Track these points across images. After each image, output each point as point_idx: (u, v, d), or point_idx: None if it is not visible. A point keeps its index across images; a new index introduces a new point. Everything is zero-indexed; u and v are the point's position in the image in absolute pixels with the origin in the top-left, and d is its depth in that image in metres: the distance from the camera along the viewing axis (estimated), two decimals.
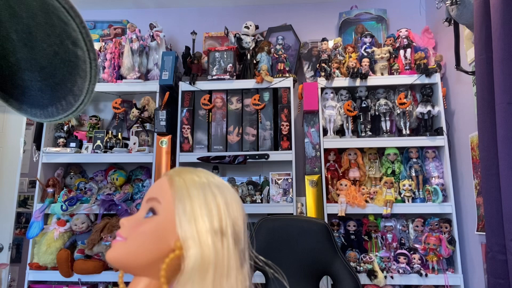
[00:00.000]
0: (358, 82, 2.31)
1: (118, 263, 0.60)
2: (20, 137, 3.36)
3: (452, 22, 1.80)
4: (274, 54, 2.47)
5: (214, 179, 0.68)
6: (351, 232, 2.21)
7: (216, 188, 0.66)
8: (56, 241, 2.20)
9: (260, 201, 2.24)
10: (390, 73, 2.35)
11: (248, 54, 2.46)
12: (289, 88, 2.36)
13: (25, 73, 0.52)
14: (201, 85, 2.41)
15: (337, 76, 2.35)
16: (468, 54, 1.97)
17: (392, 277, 2.05)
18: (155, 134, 2.33)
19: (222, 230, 0.62)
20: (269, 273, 0.70)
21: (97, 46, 2.68)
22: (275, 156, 2.27)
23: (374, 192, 2.22)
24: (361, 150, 2.33)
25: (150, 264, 0.60)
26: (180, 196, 0.62)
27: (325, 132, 2.32)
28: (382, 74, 2.34)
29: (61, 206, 2.21)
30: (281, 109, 2.34)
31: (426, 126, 2.25)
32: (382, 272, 2.05)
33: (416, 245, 2.13)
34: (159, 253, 0.60)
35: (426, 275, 2.04)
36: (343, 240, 2.19)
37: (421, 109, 2.23)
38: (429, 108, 2.20)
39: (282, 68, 2.41)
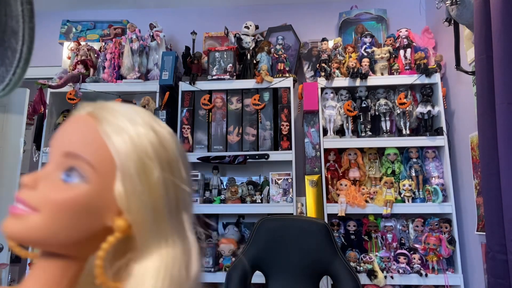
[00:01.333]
0: (358, 82, 2.31)
1: (26, 240, 0.44)
2: (20, 137, 3.36)
3: (452, 22, 1.80)
4: (274, 54, 2.47)
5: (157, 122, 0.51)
6: (351, 232, 2.21)
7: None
8: None
9: (260, 201, 2.24)
10: (390, 73, 2.35)
11: (248, 54, 2.46)
12: (289, 88, 2.36)
13: None
14: (201, 85, 2.41)
15: (337, 76, 2.35)
16: (468, 54, 1.97)
17: (392, 277, 2.05)
18: None
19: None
20: (269, 273, 0.67)
21: (97, 46, 2.69)
22: (275, 156, 2.27)
23: (374, 192, 2.22)
24: (361, 150, 2.33)
25: (73, 244, 0.46)
26: (125, 162, 0.45)
27: (325, 132, 2.32)
28: (382, 74, 2.34)
29: None
30: (281, 109, 2.34)
31: (426, 126, 2.25)
32: (382, 272, 2.05)
33: (416, 245, 2.13)
34: (87, 232, 0.46)
35: (426, 275, 2.04)
36: (343, 240, 2.19)
37: (421, 109, 2.23)
38: (429, 108, 2.20)
39: (282, 68, 2.41)
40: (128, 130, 0.46)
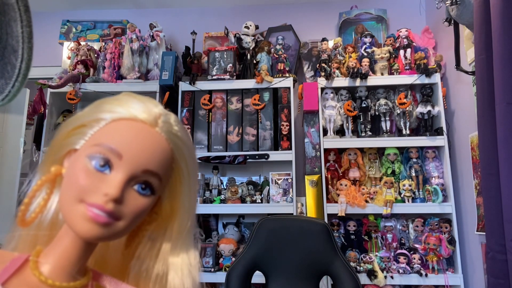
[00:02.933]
0: (358, 82, 2.31)
1: (103, 240, 0.52)
2: (20, 137, 3.36)
3: (452, 22, 1.80)
4: (274, 54, 2.47)
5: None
6: (351, 232, 2.21)
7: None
8: None
9: (260, 201, 2.24)
10: (390, 73, 2.35)
11: (248, 54, 2.46)
12: (289, 88, 2.36)
13: None
14: (201, 85, 2.41)
15: (337, 76, 2.35)
16: (468, 54, 1.97)
17: (392, 277, 2.05)
18: None
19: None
20: (269, 273, 0.70)
21: (97, 46, 2.69)
22: (275, 156, 2.27)
23: (374, 192, 2.22)
24: (361, 150, 2.33)
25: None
26: (187, 189, 0.57)
27: (325, 132, 2.32)
28: (382, 74, 2.34)
29: None
30: (281, 109, 2.34)
31: (426, 126, 2.25)
32: (382, 272, 2.05)
33: (416, 245, 2.13)
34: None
35: (426, 275, 2.04)
36: (343, 240, 2.19)
37: (421, 109, 2.23)
38: (429, 108, 2.20)
39: (282, 68, 2.41)
40: (185, 148, 0.56)
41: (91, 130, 0.53)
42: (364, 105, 2.32)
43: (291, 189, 2.23)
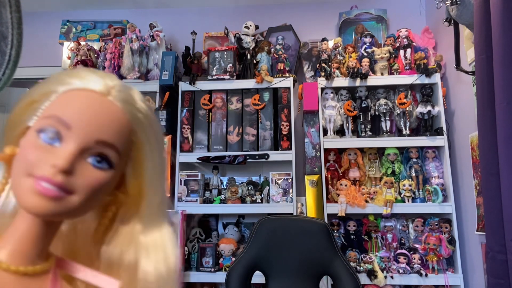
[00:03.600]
0: (358, 82, 2.31)
1: (58, 217, 0.48)
2: None
3: (452, 22, 1.80)
4: (274, 54, 2.47)
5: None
6: (351, 232, 2.21)
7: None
8: None
9: (260, 201, 2.24)
10: (390, 73, 2.35)
11: (248, 54, 2.46)
12: (289, 88, 2.36)
13: None
14: (201, 85, 2.41)
15: (337, 76, 2.35)
16: (468, 54, 1.97)
17: (392, 277, 2.05)
18: None
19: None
20: (269, 273, 0.69)
21: (97, 46, 2.69)
22: (275, 156, 2.27)
23: (374, 192, 2.22)
24: (361, 150, 2.33)
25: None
26: (150, 158, 0.53)
27: (325, 132, 2.32)
28: (382, 74, 2.34)
29: None
30: (281, 109, 2.34)
31: (426, 126, 2.25)
32: (382, 272, 2.05)
33: (416, 245, 2.13)
34: (99, 203, 0.53)
35: (426, 275, 2.04)
36: (343, 240, 2.19)
37: (421, 109, 2.23)
38: (429, 108, 2.20)
39: (282, 68, 2.41)
40: (146, 121, 0.53)
41: (42, 105, 0.51)
42: (364, 105, 2.32)
43: (291, 189, 2.23)
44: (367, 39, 2.42)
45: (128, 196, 0.54)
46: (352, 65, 2.33)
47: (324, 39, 2.45)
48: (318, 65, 2.42)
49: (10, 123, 0.53)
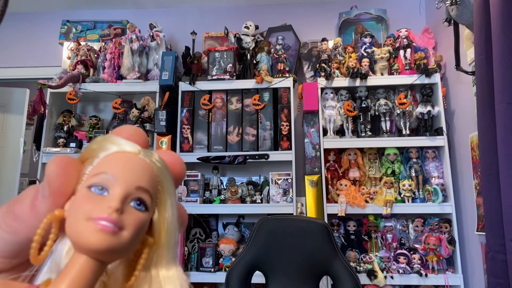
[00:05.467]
0: (358, 82, 2.31)
1: (114, 251, 0.58)
2: (20, 137, 3.36)
3: (452, 22, 1.80)
4: (274, 54, 2.47)
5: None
6: (351, 232, 2.21)
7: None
8: None
9: (260, 201, 2.24)
10: (390, 73, 2.35)
11: (248, 54, 2.46)
12: (289, 88, 2.36)
13: None
14: (201, 85, 2.41)
15: (337, 76, 2.35)
16: (468, 54, 1.97)
17: (392, 277, 2.05)
18: (155, 134, 2.32)
19: None
20: (269, 273, 0.68)
21: (97, 46, 2.69)
22: (275, 156, 2.27)
23: (374, 192, 2.22)
24: (361, 150, 2.33)
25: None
26: (170, 203, 0.62)
27: (325, 132, 2.32)
28: (382, 74, 2.34)
29: None
30: (281, 109, 2.34)
31: (426, 126, 2.25)
32: (382, 272, 2.05)
33: (416, 245, 2.13)
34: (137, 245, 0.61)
35: (426, 275, 2.04)
36: (343, 240, 2.19)
37: (421, 109, 2.23)
38: (429, 108, 2.20)
39: (282, 68, 2.41)
40: (166, 171, 0.60)
41: (86, 170, 0.59)
42: (364, 105, 2.32)
43: (291, 189, 2.24)
44: (367, 39, 2.42)
45: (155, 240, 0.61)
46: (352, 65, 2.33)
47: (324, 39, 2.45)
48: (318, 65, 2.42)
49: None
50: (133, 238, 0.53)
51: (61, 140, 2.46)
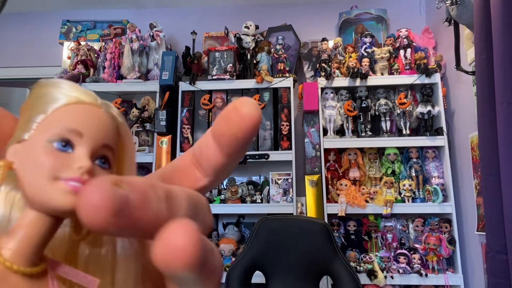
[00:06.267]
0: (358, 82, 2.31)
1: (74, 215, 0.59)
2: None
3: (452, 22, 1.80)
4: (274, 54, 2.47)
5: None
6: (351, 232, 2.21)
7: None
8: None
9: (260, 201, 2.24)
10: (390, 73, 2.35)
11: (248, 54, 2.46)
12: (289, 88, 2.36)
13: None
14: (201, 85, 2.41)
15: (337, 76, 2.35)
16: (468, 54, 1.97)
17: (392, 277, 2.05)
18: (155, 134, 2.32)
19: None
20: (269, 273, 0.68)
21: (97, 46, 2.69)
22: (275, 156, 2.27)
23: (374, 192, 2.22)
24: (361, 150, 2.33)
25: None
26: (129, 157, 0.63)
27: (325, 132, 2.32)
28: (382, 74, 2.34)
29: None
30: (281, 109, 2.34)
31: (426, 126, 2.25)
32: (382, 272, 2.05)
33: (416, 245, 2.13)
34: None
35: (426, 275, 2.04)
36: (343, 240, 2.19)
37: (421, 109, 2.23)
38: (429, 108, 2.20)
39: (282, 68, 2.41)
40: (124, 123, 0.59)
41: (37, 119, 0.56)
42: (364, 105, 2.32)
43: (291, 189, 2.24)
44: (367, 39, 2.42)
45: None
46: (352, 65, 2.33)
47: (324, 39, 2.45)
48: (318, 65, 2.42)
49: None
50: None
51: None
